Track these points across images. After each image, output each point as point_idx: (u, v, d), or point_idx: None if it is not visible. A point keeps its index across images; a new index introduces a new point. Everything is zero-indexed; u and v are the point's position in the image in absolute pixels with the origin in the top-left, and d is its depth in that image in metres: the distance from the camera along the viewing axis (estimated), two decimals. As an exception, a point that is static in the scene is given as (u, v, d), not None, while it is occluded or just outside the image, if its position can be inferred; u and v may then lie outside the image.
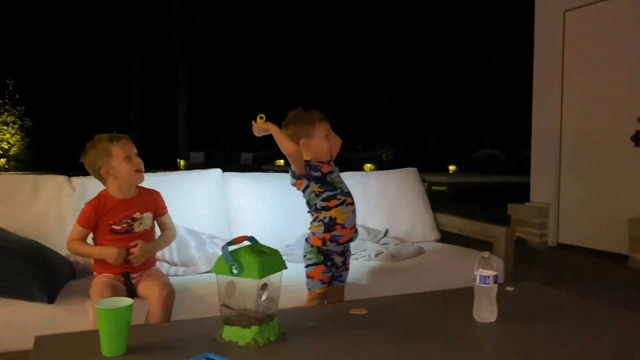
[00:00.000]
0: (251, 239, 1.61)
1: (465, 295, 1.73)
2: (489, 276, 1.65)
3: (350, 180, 2.46)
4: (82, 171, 2.33)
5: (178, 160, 19.61)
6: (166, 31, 20.00)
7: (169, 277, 2.31)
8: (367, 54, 21.24)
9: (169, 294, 2.07)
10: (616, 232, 4.78)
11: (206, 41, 21.23)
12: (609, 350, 1.46)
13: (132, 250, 2.14)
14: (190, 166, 18.35)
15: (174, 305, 2.08)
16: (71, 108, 19.09)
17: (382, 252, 2.83)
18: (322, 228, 2.21)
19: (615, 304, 1.88)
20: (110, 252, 2.08)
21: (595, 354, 1.43)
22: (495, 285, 1.66)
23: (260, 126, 2.17)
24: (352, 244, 2.37)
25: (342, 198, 2.24)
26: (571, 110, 5.44)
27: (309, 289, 2.24)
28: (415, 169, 3.62)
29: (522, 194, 6.08)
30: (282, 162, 19.23)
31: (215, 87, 23.39)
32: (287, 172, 2.35)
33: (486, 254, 1.70)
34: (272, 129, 2.14)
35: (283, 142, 2.13)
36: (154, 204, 2.29)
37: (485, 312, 1.66)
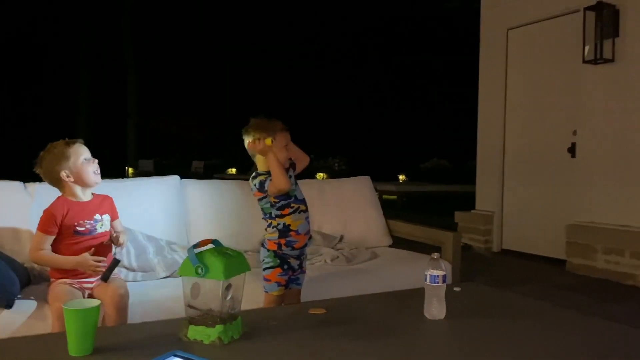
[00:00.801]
0: (215, 242, 1.67)
1: (416, 295, 1.85)
2: (438, 275, 1.77)
3: (307, 188, 2.55)
4: (25, 178, 2.33)
5: (126, 167, 19.16)
6: (116, 37, 19.57)
7: (128, 282, 2.32)
8: (318, 65, 21.47)
9: (123, 296, 2.10)
10: (555, 238, 5.08)
11: (156, 48, 20.90)
12: (547, 343, 1.60)
13: (119, 240, 2.22)
14: (139, 174, 17.97)
15: (128, 308, 2.11)
16: (15, 113, 18.38)
17: (337, 257, 2.94)
18: (276, 234, 2.30)
19: (559, 305, 2.04)
20: (83, 261, 2.10)
21: (535, 347, 1.57)
22: (444, 284, 1.78)
23: (264, 148, 2.23)
24: (309, 249, 2.46)
25: (296, 206, 2.32)
26: (514, 123, 5.74)
27: (266, 292, 2.31)
28: (368, 177, 3.76)
29: (468, 202, 6.34)
30: (234, 170, 19.13)
31: (165, 94, 23.03)
32: (241, 179, 2.42)
33: (435, 255, 1.82)
34: (272, 159, 2.21)
35: (280, 175, 2.19)
36: (110, 207, 2.32)
37: (435, 309, 1.78)
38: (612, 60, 4.61)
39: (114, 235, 2.24)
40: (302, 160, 2.45)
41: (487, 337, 1.63)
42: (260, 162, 2.33)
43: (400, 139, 21.04)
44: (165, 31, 20.80)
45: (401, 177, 18.38)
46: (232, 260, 1.57)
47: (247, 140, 2.31)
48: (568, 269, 4.82)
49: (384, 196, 14.17)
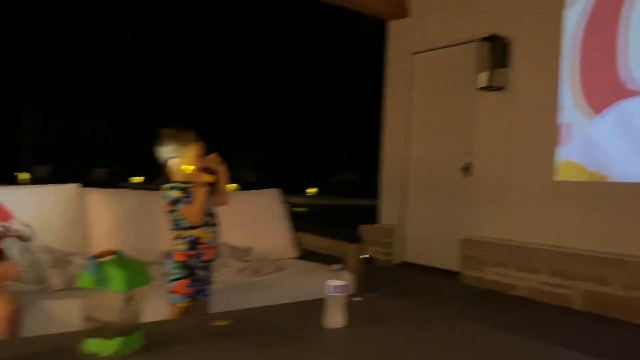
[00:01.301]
0: (117, 253, 1.65)
1: (318, 305, 1.92)
2: (339, 286, 1.86)
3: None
4: None
5: (15, 173, 17.80)
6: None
7: (23, 295, 2.21)
8: (233, 74, 21.34)
9: (15, 310, 2.00)
10: (451, 252, 5.41)
11: (52, 51, 19.75)
12: (439, 350, 1.73)
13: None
14: (34, 180, 16.81)
15: (21, 322, 2.01)
16: None
17: (245, 269, 2.96)
18: (185, 246, 2.29)
19: (453, 314, 2.20)
20: (10, 270, 1.98)
21: (427, 355, 1.69)
22: (345, 294, 1.87)
23: (213, 162, 2.28)
24: (216, 261, 2.47)
25: (207, 219, 2.34)
26: (416, 142, 6.07)
27: (172, 304, 2.29)
28: (278, 190, 3.82)
29: (373, 215, 6.59)
30: (138, 179, 18.43)
31: (65, 98, 21.77)
32: (148, 189, 2.40)
33: (337, 266, 1.91)
34: (201, 193, 2.24)
35: (199, 211, 2.25)
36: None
37: (336, 318, 1.86)
38: (502, 88, 5.04)
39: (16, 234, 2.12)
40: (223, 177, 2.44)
41: (383, 345, 1.74)
42: (175, 172, 2.32)
43: (312, 154, 21.37)
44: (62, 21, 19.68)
45: (312, 191, 18.68)
46: (134, 272, 1.56)
47: (164, 153, 2.31)
48: (462, 281, 5.15)
49: (294, 208, 14.35)
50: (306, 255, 3.64)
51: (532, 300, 4.54)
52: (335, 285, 1.85)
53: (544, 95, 4.78)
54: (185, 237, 2.29)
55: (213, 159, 2.35)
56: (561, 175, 4.68)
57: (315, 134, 21.74)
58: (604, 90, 4.44)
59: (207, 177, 2.28)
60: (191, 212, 2.25)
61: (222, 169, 2.37)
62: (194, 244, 2.29)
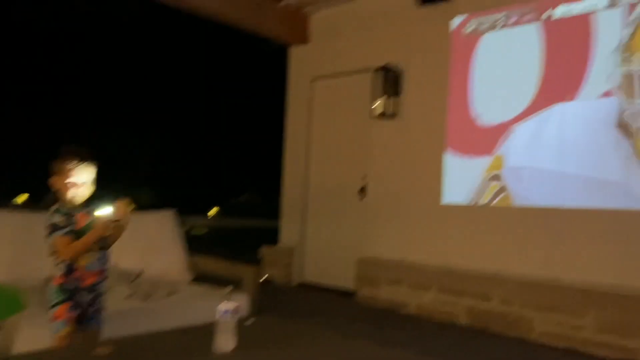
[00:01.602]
0: (-12, 280, 1.54)
1: (208, 330, 1.91)
2: (229, 309, 1.86)
3: (104, 220, 2.46)
4: None
5: None
6: None
7: None
8: (132, 88, 20.57)
9: None
10: (347, 272, 5.55)
11: None
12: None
13: None
14: None
15: None
16: None
17: (134, 294, 2.86)
18: (63, 270, 2.18)
19: (343, 334, 2.26)
20: None
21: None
22: (236, 317, 1.88)
23: (123, 211, 2.18)
24: (104, 286, 2.36)
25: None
26: (315, 165, 6.21)
27: (55, 333, 2.16)
28: (172, 210, 3.74)
29: (276, 237, 6.61)
30: (23, 197, 17.11)
31: None
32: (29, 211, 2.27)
33: (228, 289, 1.91)
34: (92, 236, 2.15)
35: (79, 252, 2.15)
36: None
37: (226, 342, 1.86)
38: (395, 116, 5.33)
39: None
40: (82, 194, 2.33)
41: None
42: (62, 194, 2.22)
43: (215, 174, 21.04)
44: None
45: (213, 211, 18.38)
46: (3, 300, 1.47)
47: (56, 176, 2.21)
48: (357, 300, 5.29)
49: (194, 230, 14.01)
50: (201, 278, 3.58)
51: (422, 317, 4.77)
52: (225, 308, 1.85)
53: (433, 123, 5.11)
54: (62, 262, 2.18)
55: (121, 209, 2.24)
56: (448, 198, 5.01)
57: (218, 154, 21.48)
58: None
59: (106, 228, 2.18)
60: (67, 248, 2.13)
61: (127, 219, 2.27)
62: (70, 267, 2.18)
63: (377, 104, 5.33)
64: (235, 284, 3.19)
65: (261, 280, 6.04)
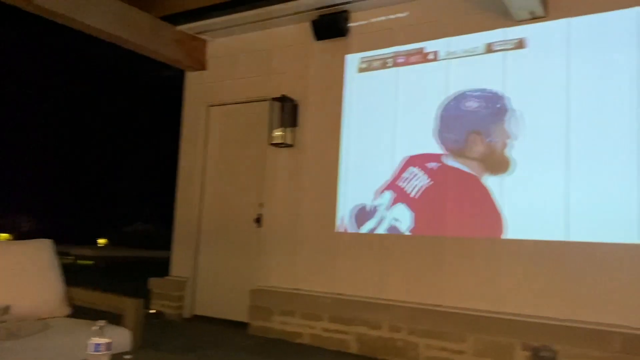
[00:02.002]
0: None
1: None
2: (102, 344, 1.75)
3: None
4: None
5: None
6: None
7: None
8: (16, 111, 19.13)
9: None
10: (241, 303, 5.45)
11: None
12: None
13: None
14: None
15: None
16: None
17: (-3, 331, 2.59)
18: None
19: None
20: None
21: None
22: (108, 352, 1.77)
23: None
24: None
25: None
26: (210, 193, 6.10)
27: None
28: (49, 240, 3.46)
29: (167, 268, 6.34)
30: None
31: None
32: None
33: (101, 323, 1.80)
34: None
35: None
36: None
37: (96, 380, 1.74)
38: (291, 145, 5.40)
39: None
40: None
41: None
42: None
43: (105, 202, 19.93)
44: None
45: (102, 241, 17.35)
46: None
47: None
48: (250, 332, 5.20)
49: (79, 261, 13.10)
50: (80, 312, 3.33)
51: (314, 347, 4.78)
52: (96, 343, 1.74)
53: (328, 154, 5.23)
54: None
55: None
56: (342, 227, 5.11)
57: (111, 181, 20.40)
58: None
59: None
60: None
61: None
62: None
63: (274, 133, 5.38)
64: (117, 318, 3.02)
65: (149, 314, 5.80)
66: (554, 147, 4.14)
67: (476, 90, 4.53)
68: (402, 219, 4.78)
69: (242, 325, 5.35)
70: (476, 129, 4.49)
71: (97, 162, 20.30)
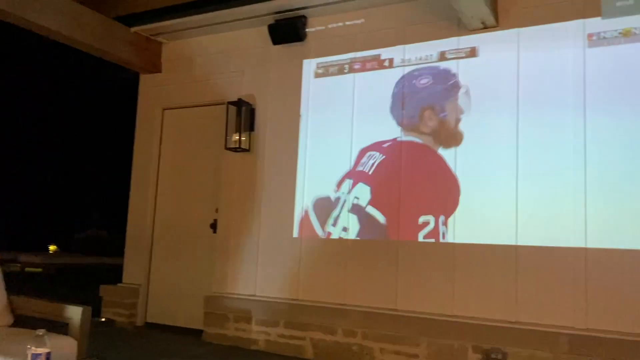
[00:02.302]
0: None
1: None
2: (41, 354, 1.68)
3: None
4: None
5: None
6: None
7: None
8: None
9: None
10: (196, 310, 5.35)
11: None
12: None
13: None
14: None
15: None
16: None
17: None
18: None
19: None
20: None
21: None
22: (48, 362, 1.70)
23: None
24: None
25: None
26: (164, 198, 5.98)
27: None
28: (-10, 247, 3.32)
29: (120, 275, 6.17)
30: None
31: None
32: None
33: (41, 332, 1.73)
34: None
35: None
36: None
37: (35, 392, 1.67)
38: (248, 150, 5.35)
39: None
40: None
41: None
42: None
43: (54, 207, 19.24)
44: None
45: (52, 248, 16.76)
46: None
47: None
48: (205, 339, 5.11)
49: (27, 268, 12.60)
50: (24, 321, 3.20)
51: (270, 353, 4.74)
52: (35, 353, 1.67)
53: (286, 158, 5.21)
54: None
55: None
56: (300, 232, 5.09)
57: (62, 186, 19.73)
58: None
59: None
60: None
61: None
62: None
63: (230, 137, 5.33)
64: (64, 326, 2.91)
65: (99, 322, 5.63)
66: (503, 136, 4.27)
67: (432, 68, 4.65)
68: (362, 195, 4.79)
69: (196, 333, 5.26)
70: (430, 104, 4.58)
71: (49, 166, 19.62)
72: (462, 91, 4.48)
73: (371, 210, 4.73)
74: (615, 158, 3.88)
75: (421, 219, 4.51)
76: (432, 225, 4.47)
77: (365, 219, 4.76)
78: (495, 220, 4.22)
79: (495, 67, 4.39)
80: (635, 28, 3.96)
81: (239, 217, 5.38)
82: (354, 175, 4.87)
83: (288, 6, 5.10)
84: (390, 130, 4.75)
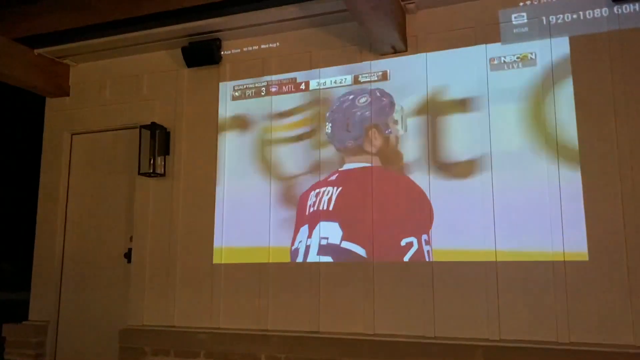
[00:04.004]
0: None
1: None
2: None
3: None
4: None
5: None
6: None
7: None
8: None
9: None
10: (110, 344, 5.07)
11: None
12: None
13: None
14: None
15: None
16: None
17: None
18: None
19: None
20: None
21: None
22: None
23: None
24: None
25: None
26: (74, 225, 5.65)
27: None
28: None
29: (26, 311, 5.73)
30: None
31: None
32: None
33: None
34: None
35: None
36: None
37: None
38: (163, 175, 5.19)
39: None
40: None
41: None
42: None
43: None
44: None
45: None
46: None
47: None
48: (121, 375, 4.85)
49: None
50: None
51: (191, 385, 4.57)
52: None
53: (203, 183, 5.10)
54: None
55: None
56: (220, 258, 4.96)
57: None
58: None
59: None
60: None
61: None
62: None
63: (144, 162, 5.14)
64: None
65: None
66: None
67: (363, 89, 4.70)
68: (330, 234, 4.60)
69: (111, 369, 4.98)
70: (374, 122, 4.61)
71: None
72: (397, 108, 4.56)
73: (347, 245, 4.56)
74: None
75: (403, 242, 4.40)
76: (415, 246, 4.36)
77: (343, 256, 4.54)
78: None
79: (407, 89, 4.56)
80: (531, 53, 4.27)
81: (154, 244, 5.19)
82: (307, 219, 4.71)
83: (202, 29, 5.04)
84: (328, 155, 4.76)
